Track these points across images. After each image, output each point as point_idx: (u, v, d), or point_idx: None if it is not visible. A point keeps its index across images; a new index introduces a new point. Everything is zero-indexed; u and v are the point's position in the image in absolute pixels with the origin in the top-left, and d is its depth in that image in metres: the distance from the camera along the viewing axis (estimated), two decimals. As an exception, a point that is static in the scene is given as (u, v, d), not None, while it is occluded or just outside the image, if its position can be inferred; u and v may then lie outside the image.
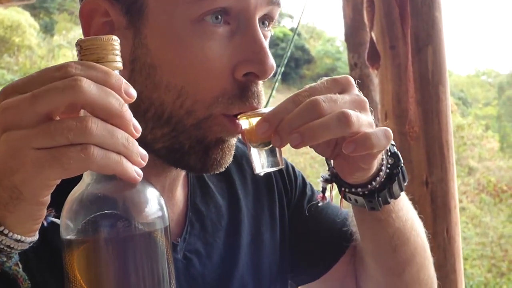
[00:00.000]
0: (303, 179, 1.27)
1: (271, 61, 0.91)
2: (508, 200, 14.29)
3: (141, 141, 0.89)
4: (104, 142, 0.64)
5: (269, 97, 3.54)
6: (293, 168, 1.26)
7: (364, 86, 3.21)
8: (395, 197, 0.99)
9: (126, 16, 0.91)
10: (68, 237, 0.67)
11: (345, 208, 1.14)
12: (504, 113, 23.89)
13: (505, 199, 14.31)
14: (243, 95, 0.91)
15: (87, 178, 0.69)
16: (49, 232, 0.74)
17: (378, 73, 2.31)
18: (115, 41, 0.68)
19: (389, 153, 0.98)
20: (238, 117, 0.90)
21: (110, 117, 0.65)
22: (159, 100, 0.90)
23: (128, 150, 0.66)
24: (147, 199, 0.69)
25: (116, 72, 0.67)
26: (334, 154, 0.95)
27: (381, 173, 0.96)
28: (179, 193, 1.08)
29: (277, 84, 3.76)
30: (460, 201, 15.51)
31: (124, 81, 0.67)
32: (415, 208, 1.13)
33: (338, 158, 0.95)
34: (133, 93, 0.68)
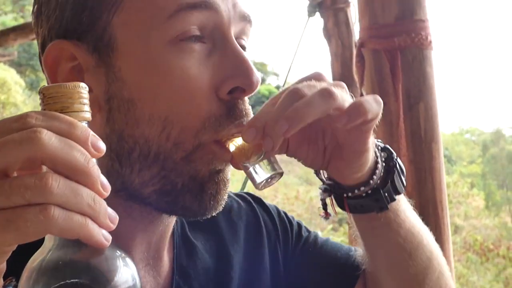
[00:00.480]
0: (298, 223, 1.21)
1: (256, 73, 0.85)
2: (494, 259, 14.28)
3: (128, 188, 0.83)
4: (66, 202, 0.57)
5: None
6: (285, 214, 1.21)
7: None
8: (400, 191, 0.97)
9: (94, 54, 0.85)
10: None
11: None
12: (488, 171, 24.12)
13: (491, 258, 14.30)
14: (231, 115, 0.86)
15: (48, 243, 0.61)
16: None
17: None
18: (83, 88, 0.61)
19: (380, 148, 0.96)
20: (223, 141, 0.86)
21: (74, 174, 0.58)
22: (143, 137, 0.84)
23: (94, 211, 0.58)
24: (117, 266, 0.62)
25: (84, 124, 0.60)
26: (325, 160, 0.92)
27: (378, 166, 0.95)
28: (165, 255, 1.00)
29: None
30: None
31: (92, 133, 0.60)
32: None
33: (331, 162, 0.92)
34: (102, 146, 0.60)
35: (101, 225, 0.59)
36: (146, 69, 0.84)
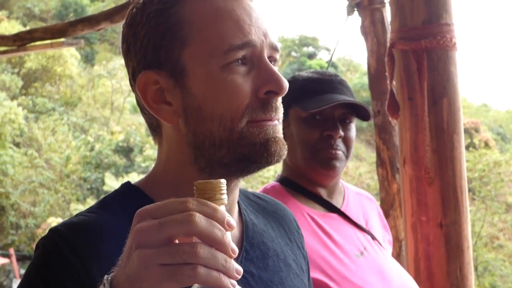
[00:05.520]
0: None
1: (284, 79, 1.16)
2: (545, 238, 14.11)
3: (211, 165, 1.18)
4: (208, 263, 0.84)
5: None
6: None
7: (387, 131, 3.47)
8: None
9: (172, 79, 1.18)
10: None
11: None
12: (543, 149, 23.55)
13: (542, 237, 14.13)
14: (264, 108, 1.17)
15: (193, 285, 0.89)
16: None
17: (397, 122, 2.49)
18: (222, 184, 0.89)
19: None
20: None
21: (214, 244, 0.85)
22: (208, 131, 1.16)
23: (225, 268, 0.85)
24: None
25: (222, 207, 0.88)
26: None
27: None
28: (236, 219, 1.30)
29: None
30: (497, 238, 15.34)
31: (227, 214, 0.87)
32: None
33: None
34: (233, 223, 0.88)
35: (230, 277, 0.85)
36: (208, 85, 1.15)
